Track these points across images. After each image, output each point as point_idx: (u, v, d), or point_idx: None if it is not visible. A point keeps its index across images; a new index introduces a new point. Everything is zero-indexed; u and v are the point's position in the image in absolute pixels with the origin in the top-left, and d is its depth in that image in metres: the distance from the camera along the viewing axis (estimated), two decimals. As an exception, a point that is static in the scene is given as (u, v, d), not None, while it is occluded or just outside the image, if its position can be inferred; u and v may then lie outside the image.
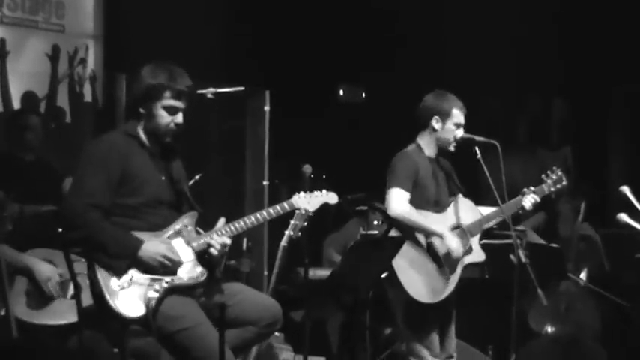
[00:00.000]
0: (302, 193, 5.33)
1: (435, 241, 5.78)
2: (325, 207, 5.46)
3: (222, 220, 4.98)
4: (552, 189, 6.16)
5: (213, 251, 4.87)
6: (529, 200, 6.01)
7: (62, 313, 6.02)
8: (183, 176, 5.06)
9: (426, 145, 5.99)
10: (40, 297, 6.13)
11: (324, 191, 5.42)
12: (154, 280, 4.73)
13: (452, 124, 5.92)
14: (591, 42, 9.10)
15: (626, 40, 8.92)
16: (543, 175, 6.18)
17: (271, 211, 5.13)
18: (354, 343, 7.12)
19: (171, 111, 4.84)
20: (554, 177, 6.18)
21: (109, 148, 4.81)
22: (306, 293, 5.67)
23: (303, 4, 9.38)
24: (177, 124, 4.87)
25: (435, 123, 5.93)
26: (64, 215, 4.80)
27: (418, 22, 9.50)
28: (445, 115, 5.91)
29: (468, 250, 5.91)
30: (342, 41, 9.48)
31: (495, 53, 9.24)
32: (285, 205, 5.22)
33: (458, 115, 5.93)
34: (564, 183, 6.19)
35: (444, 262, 5.80)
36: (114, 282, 4.68)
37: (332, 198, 5.45)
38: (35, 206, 6.66)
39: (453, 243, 5.78)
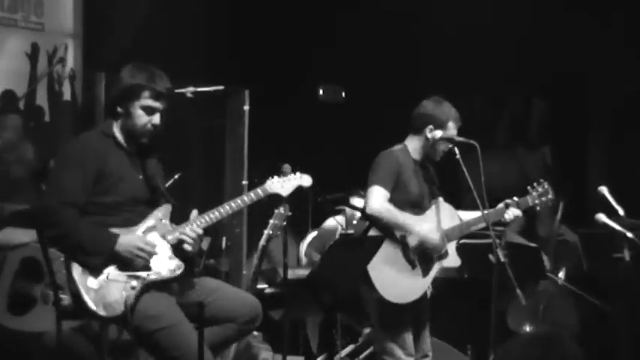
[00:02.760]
0: (275, 178, 5.27)
1: (410, 241, 5.77)
2: (298, 203, 5.42)
3: (194, 212, 4.98)
4: (537, 201, 6.08)
5: (187, 247, 4.87)
6: (511, 212, 5.99)
7: (42, 321, 5.99)
8: (158, 172, 5.05)
9: (414, 148, 5.95)
10: (22, 301, 6.11)
11: (298, 173, 5.37)
12: (130, 277, 4.72)
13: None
14: (571, 41, 9.13)
15: (604, 39, 8.96)
16: (529, 187, 6.11)
17: (245, 198, 5.09)
18: (333, 343, 7.13)
19: (149, 111, 4.86)
20: (540, 189, 6.10)
21: (84, 147, 4.83)
22: (286, 292, 5.67)
23: (283, 4, 9.37)
24: (154, 125, 4.88)
25: (429, 132, 5.88)
26: (39, 213, 4.81)
27: (399, 22, 9.51)
28: (440, 126, 5.85)
29: (444, 255, 5.89)
30: (322, 41, 9.48)
31: (476, 52, 9.26)
32: (259, 190, 5.18)
33: (452, 128, 5.88)
34: (550, 196, 6.12)
35: (417, 263, 5.80)
36: (91, 281, 4.67)
37: (306, 180, 5.35)
38: (14, 205, 6.65)
39: (431, 240, 5.77)
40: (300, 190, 5.38)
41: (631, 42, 8.86)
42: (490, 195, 5.87)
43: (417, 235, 5.75)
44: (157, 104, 4.87)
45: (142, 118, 4.87)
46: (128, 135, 4.91)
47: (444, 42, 9.28)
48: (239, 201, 5.06)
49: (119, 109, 4.89)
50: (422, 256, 5.79)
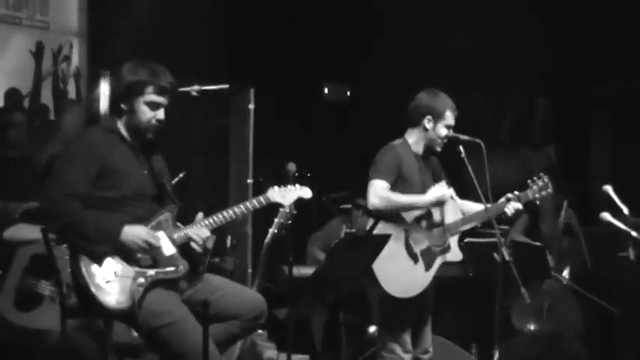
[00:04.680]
0: (276, 187, 5.35)
1: (412, 237, 5.80)
2: (303, 202, 5.46)
3: (200, 215, 5.00)
4: (537, 195, 6.11)
5: (194, 245, 4.90)
6: (512, 207, 6.00)
7: (48, 319, 6.00)
8: (164, 170, 5.07)
9: (414, 142, 5.98)
10: (29, 297, 6.12)
11: (297, 185, 5.43)
12: (138, 273, 4.74)
13: (443, 126, 5.92)
14: (574, 40, 9.14)
15: (609, 38, 8.96)
16: (529, 181, 6.12)
17: (248, 205, 5.15)
18: (337, 341, 7.14)
19: (153, 107, 4.88)
20: (540, 183, 6.12)
21: (88, 142, 4.85)
22: (290, 291, 5.67)
23: (288, 3, 9.38)
24: (158, 120, 4.90)
25: (427, 123, 5.91)
26: (43, 206, 4.84)
27: (403, 21, 9.52)
28: (438, 117, 5.90)
29: (446, 249, 5.92)
30: (327, 39, 9.49)
31: (479, 52, 9.27)
32: (262, 198, 5.25)
33: (450, 118, 5.93)
34: (550, 190, 6.13)
35: (420, 258, 5.82)
36: (99, 275, 4.68)
37: (306, 192, 5.45)
38: (18, 203, 6.66)
39: (438, 192, 5.80)
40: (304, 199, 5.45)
41: (631, 41, 8.87)
42: (494, 194, 5.89)
43: (426, 201, 5.79)
44: (161, 99, 4.89)
45: (146, 113, 4.88)
46: (133, 131, 4.92)
47: (448, 41, 9.28)
48: (242, 207, 5.12)
49: (123, 106, 4.90)
50: (424, 251, 5.80)
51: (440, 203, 5.85)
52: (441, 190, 5.83)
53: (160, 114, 4.90)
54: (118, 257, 4.75)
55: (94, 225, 4.70)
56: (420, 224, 5.88)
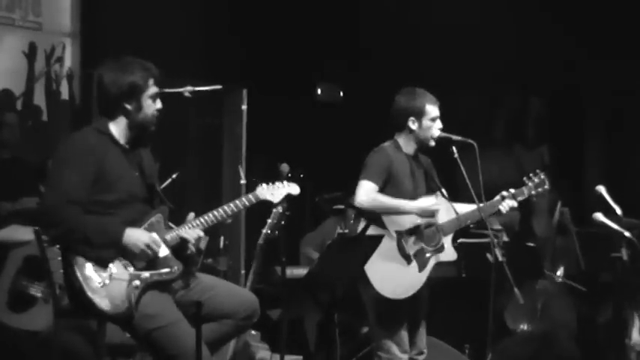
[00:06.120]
0: (264, 185, 5.34)
1: (404, 238, 5.79)
2: (296, 203, 5.45)
3: (191, 215, 5.00)
4: (533, 192, 6.08)
5: (190, 246, 4.89)
6: (506, 205, 5.99)
7: (41, 320, 5.99)
8: (153, 171, 5.07)
9: (405, 143, 5.96)
10: (22, 299, 6.11)
11: (285, 182, 5.42)
12: (133, 275, 4.73)
13: (428, 120, 5.89)
14: (569, 40, 9.14)
15: (603, 38, 8.97)
16: (525, 178, 6.10)
17: (238, 203, 5.14)
18: (331, 342, 7.13)
19: (154, 98, 4.92)
20: (535, 180, 6.09)
21: (82, 145, 4.82)
22: (284, 292, 5.67)
23: (281, 3, 9.38)
24: (158, 110, 4.92)
25: (412, 124, 5.90)
26: (44, 213, 4.81)
27: (395, 21, 9.52)
28: (420, 114, 5.88)
29: (440, 249, 5.90)
30: (320, 40, 9.49)
31: (472, 51, 9.27)
32: (251, 196, 5.23)
33: (432, 110, 5.90)
34: (546, 186, 6.12)
35: (413, 259, 5.80)
36: (94, 278, 4.67)
37: (294, 189, 5.44)
38: (11, 204, 6.66)
39: (428, 202, 5.78)
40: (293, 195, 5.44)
41: (626, 40, 8.88)
42: (487, 193, 5.88)
43: (413, 208, 5.78)
44: (157, 89, 4.93)
45: (151, 106, 4.90)
46: (135, 128, 4.90)
47: (442, 41, 9.28)
48: (232, 205, 5.11)
49: (128, 107, 4.88)
50: (417, 252, 5.80)
51: (427, 213, 5.82)
52: (431, 201, 5.81)
53: (159, 103, 4.94)
54: (116, 260, 4.75)
55: (96, 229, 4.69)
56: (413, 226, 5.86)
